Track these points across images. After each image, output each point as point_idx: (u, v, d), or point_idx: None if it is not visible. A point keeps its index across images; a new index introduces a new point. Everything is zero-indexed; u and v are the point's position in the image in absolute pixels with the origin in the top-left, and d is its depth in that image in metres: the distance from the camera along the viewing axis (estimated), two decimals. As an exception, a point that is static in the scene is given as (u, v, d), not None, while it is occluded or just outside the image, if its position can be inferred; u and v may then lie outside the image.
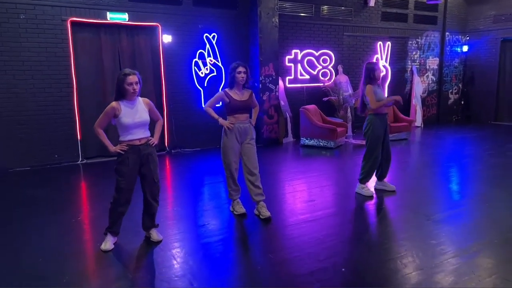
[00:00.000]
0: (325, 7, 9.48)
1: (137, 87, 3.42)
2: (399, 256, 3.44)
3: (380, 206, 4.76)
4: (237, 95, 4.23)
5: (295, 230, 4.05)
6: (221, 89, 4.47)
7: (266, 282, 3.08)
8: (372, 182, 5.34)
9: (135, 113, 3.45)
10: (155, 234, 3.75)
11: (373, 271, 3.19)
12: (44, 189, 5.64)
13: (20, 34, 6.49)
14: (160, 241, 3.72)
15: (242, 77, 4.18)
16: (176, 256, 3.46)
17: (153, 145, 3.63)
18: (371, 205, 4.81)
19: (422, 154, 8.27)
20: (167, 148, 7.98)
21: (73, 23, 6.85)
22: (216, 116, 4.29)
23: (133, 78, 3.40)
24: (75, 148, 7.04)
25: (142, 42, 7.56)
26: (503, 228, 4.03)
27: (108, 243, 3.58)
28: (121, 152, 3.42)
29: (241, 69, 4.16)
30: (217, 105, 4.45)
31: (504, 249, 3.52)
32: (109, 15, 7.06)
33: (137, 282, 3.08)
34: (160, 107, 7.78)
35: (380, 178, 5.22)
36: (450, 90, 12.30)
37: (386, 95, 10.41)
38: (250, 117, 4.41)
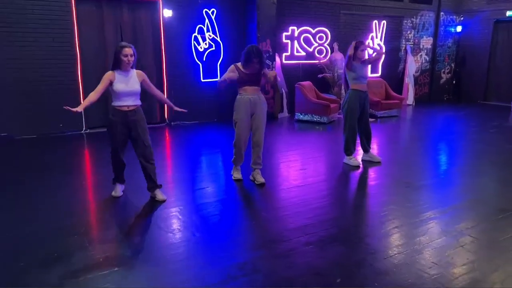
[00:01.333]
0: (322, -15, 9.65)
1: (131, 59, 3.79)
2: (378, 215, 3.86)
3: (364, 175, 5.18)
4: (248, 69, 4.46)
5: (287, 193, 4.47)
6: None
7: (259, 233, 3.49)
8: (360, 154, 5.74)
9: (127, 82, 3.83)
10: (159, 194, 4.13)
11: (354, 228, 3.61)
12: (51, 155, 5.99)
13: (25, 6, 6.68)
14: (164, 200, 4.10)
15: (256, 67, 4.42)
16: (179, 213, 3.86)
17: (177, 111, 4.23)
18: (356, 173, 5.22)
19: (410, 130, 8.67)
20: (167, 120, 8.30)
21: (77, -4, 7.04)
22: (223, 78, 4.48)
23: (128, 51, 3.77)
24: (78, 118, 7.34)
25: (143, 16, 7.77)
26: (476, 193, 4.45)
27: (117, 191, 4.20)
28: (73, 110, 3.64)
29: (255, 60, 4.36)
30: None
31: (474, 211, 3.94)
32: (112, -12, 7.24)
33: (144, 233, 3.48)
34: (160, 80, 8.07)
35: (365, 151, 5.61)
36: (443, 70, 12.60)
37: (377, 72, 10.74)
38: (260, 90, 4.62)
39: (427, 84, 12.42)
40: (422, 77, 12.26)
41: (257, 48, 4.44)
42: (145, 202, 4.11)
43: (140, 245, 3.30)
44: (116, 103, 3.86)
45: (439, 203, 4.14)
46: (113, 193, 4.20)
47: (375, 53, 5.81)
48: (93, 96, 3.82)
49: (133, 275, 2.81)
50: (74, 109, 3.63)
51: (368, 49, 5.54)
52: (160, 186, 4.19)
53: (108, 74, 3.84)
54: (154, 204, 4.07)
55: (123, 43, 3.86)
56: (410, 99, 11.60)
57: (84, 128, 7.42)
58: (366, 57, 5.41)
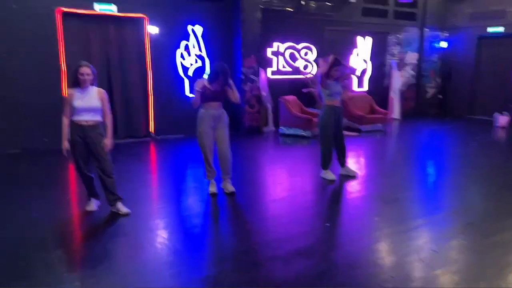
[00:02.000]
0: (307, 2, 9.87)
1: (87, 78, 3.94)
2: (347, 228, 3.95)
3: (339, 189, 5.28)
4: (213, 85, 4.62)
5: (259, 207, 4.57)
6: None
7: (225, 247, 3.57)
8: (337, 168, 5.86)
9: (84, 98, 3.96)
10: (122, 207, 4.17)
11: (319, 241, 3.69)
12: (34, 169, 6.06)
13: (12, 23, 6.82)
14: (128, 213, 4.13)
15: (221, 84, 4.60)
16: (150, 227, 3.93)
17: (107, 149, 4.09)
18: (331, 187, 5.31)
19: (392, 144, 8.81)
20: (152, 135, 8.39)
21: (63, 13, 7.18)
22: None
23: (84, 70, 3.94)
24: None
25: (129, 33, 7.92)
26: (449, 206, 4.55)
27: (91, 205, 4.29)
28: (65, 151, 3.98)
29: (220, 78, 4.56)
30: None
31: (439, 226, 4.03)
32: (98, 6, 7.41)
33: (111, 245, 3.54)
34: (145, 95, 8.19)
35: (341, 165, 5.72)
36: (429, 85, 12.80)
37: (362, 87, 10.92)
38: (222, 105, 4.82)
39: (413, 98, 12.60)
40: (408, 92, 12.45)
41: (224, 67, 4.62)
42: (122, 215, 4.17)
43: (104, 256, 3.35)
44: (74, 118, 3.98)
45: (409, 217, 4.23)
46: (86, 207, 4.29)
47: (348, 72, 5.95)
48: (66, 121, 3.98)
49: (94, 287, 2.87)
50: (64, 147, 3.96)
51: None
52: (120, 199, 4.21)
53: (69, 94, 3.99)
54: (127, 217, 4.13)
55: (82, 62, 4.03)
56: (396, 113, 11.76)
57: (69, 142, 7.50)
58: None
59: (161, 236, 3.76)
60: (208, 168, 4.87)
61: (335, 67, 5.33)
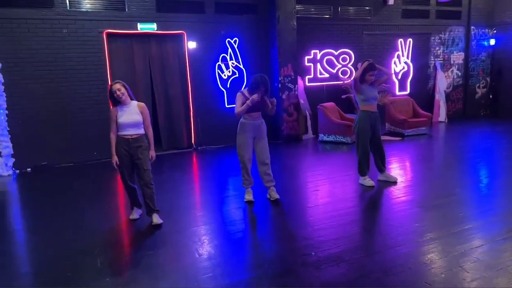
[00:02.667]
0: (343, 8, 9.83)
1: (120, 92, 4.15)
2: (382, 236, 3.87)
3: (378, 196, 5.17)
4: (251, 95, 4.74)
5: (295, 214, 4.57)
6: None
7: (258, 253, 3.63)
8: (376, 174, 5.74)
9: (127, 114, 4.21)
10: (155, 218, 4.35)
11: (353, 248, 3.64)
12: (84, 181, 6.47)
13: (64, 46, 7.38)
14: (160, 224, 4.30)
15: (262, 93, 4.69)
16: (189, 234, 4.08)
17: (152, 160, 4.33)
18: (370, 194, 5.22)
19: (437, 148, 8.47)
20: (194, 146, 8.66)
21: (109, 34, 7.68)
22: (245, 105, 4.68)
23: (115, 86, 4.19)
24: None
25: (169, 49, 8.29)
26: (492, 212, 4.33)
27: (134, 214, 4.55)
28: (115, 164, 4.26)
29: (262, 87, 4.67)
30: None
31: (485, 232, 3.85)
32: (140, 25, 7.83)
33: (153, 251, 3.72)
34: (186, 108, 8.50)
35: (380, 170, 5.60)
36: (477, 84, 12.21)
37: (405, 90, 10.62)
38: (263, 115, 4.92)
39: (461, 100, 12.07)
40: (455, 93, 11.94)
41: (265, 78, 4.73)
42: (165, 223, 4.35)
43: (144, 261, 3.52)
44: (120, 133, 4.25)
45: (448, 224, 4.08)
46: (130, 216, 4.57)
47: (385, 76, 5.85)
48: (114, 137, 4.26)
49: (134, 292, 3.04)
50: (114, 161, 4.24)
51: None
52: (157, 211, 4.40)
53: (112, 111, 4.27)
54: (168, 224, 4.31)
55: (113, 81, 4.30)
56: (442, 116, 11.31)
57: (116, 155, 7.93)
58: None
59: (199, 242, 3.89)
60: (246, 176, 4.97)
61: (370, 71, 5.26)
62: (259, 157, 4.92)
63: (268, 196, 5.03)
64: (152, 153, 4.35)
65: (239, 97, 4.79)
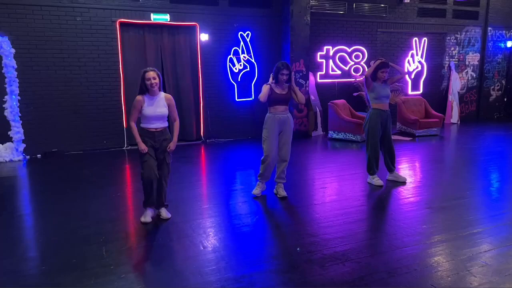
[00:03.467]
0: (358, 4, 9.71)
1: (154, 82, 3.98)
2: (387, 236, 3.83)
3: (385, 195, 5.11)
4: (278, 89, 4.74)
5: (302, 210, 4.54)
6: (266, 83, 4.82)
7: (264, 248, 3.61)
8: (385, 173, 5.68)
9: (155, 106, 4.05)
10: (164, 212, 4.30)
11: (358, 247, 3.61)
12: (94, 169, 6.51)
13: (77, 34, 7.41)
14: (168, 218, 4.26)
15: (285, 79, 4.68)
16: (193, 227, 4.08)
17: (169, 150, 4.17)
18: (378, 193, 5.17)
19: (448, 150, 8.35)
20: (203, 138, 8.66)
21: (121, 24, 7.69)
22: (264, 90, 4.66)
23: (150, 74, 3.99)
24: (121, 135, 7.92)
25: (182, 40, 8.27)
26: (504, 216, 4.26)
27: (147, 217, 4.20)
28: (143, 151, 4.04)
29: (284, 71, 4.64)
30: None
31: (494, 235, 3.79)
32: (153, 16, 7.83)
33: (158, 242, 3.72)
34: (196, 100, 8.49)
35: (389, 170, 5.54)
36: (492, 87, 12.01)
37: (417, 90, 10.49)
38: (288, 109, 4.86)
39: (475, 101, 11.88)
40: (469, 95, 11.77)
41: (285, 63, 4.68)
42: (174, 214, 4.35)
43: (148, 252, 3.53)
44: (145, 125, 4.11)
45: (457, 226, 4.02)
46: (142, 219, 4.18)
47: (398, 75, 5.76)
48: (135, 125, 4.11)
49: (137, 280, 3.04)
50: (143, 148, 4.02)
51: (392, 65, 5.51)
52: (166, 206, 4.35)
53: (138, 100, 4.04)
54: (173, 216, 4.32)
55: (147, 68, 4.12)
56: (454, 117, 11.16)
57: (125, 145, 7.97)
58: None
59: (204, 234, 3.88)
60: (267, 170, 4.89)
61: (382, 69, 5.19)
62: (280, 153, 4.88)
63: (275, 192, 5.02)
64: (173, 146, 4.17)
65: (265, 87, 4.71)
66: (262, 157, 4.88)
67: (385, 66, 5.23)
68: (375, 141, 5.32)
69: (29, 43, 7.11)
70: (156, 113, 4.05)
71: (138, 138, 4.09)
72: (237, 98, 8.72)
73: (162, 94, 4.17)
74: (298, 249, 3.54)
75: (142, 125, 4.13)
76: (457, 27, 11.14)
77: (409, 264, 3.26)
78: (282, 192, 4.94)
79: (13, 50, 6.89)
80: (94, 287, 2.97)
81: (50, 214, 4.53)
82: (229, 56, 8.58)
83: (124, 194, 5.34)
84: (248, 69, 8.75)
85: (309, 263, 3.30)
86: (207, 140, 8.67)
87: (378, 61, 5.27)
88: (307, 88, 8.95)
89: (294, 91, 4.80)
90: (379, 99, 5.24)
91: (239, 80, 8.71)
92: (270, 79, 4.75)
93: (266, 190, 5.09)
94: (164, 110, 4.10)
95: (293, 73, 4.77)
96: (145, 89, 4.06)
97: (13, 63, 6.91)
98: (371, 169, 5.43)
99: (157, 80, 4.02)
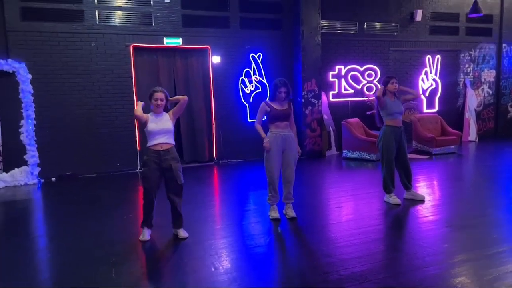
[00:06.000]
0: (369, 24, 9.73)
1: (161, 103, 4.06)
2: (407, 255, 3.66)
3: (403, 214, 4.93)
4: (277, 105, 4.65)
5: (317, 231, 4.40)
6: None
7: (278, 269, 3.48)
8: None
9: (159, 121, 4.09)
10: (181, 233, 4.25)
11: (376, 268, 3.44)
12: (106, 191, 6.50)
13: (92, 59, 7.56)
14: (186, 237, 4.20)
15: (283, 96, 4.60)
16: (209, 247, 3.98)
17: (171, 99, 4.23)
18: (395, 212, 4.99)
19: (466, 168, 8.13)
20: (215, 159, 8.63)
21: (135, 48, 7.83)
22: (263, 135, 4.66)
23: (158, 95, 4.08)
24: (134, 158, 7.94)
25: (194, 63, 8.37)
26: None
27: (145, 235, 4.21)
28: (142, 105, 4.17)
29: (282, 89, 4.57)
30: (263, 119, 4.76)
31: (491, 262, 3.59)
32: (165, 40, 7.96)
33: (168, 262, 3.63)
34: (209, 121, 8.51)
35: (406, 188, 5.37)
36: (510, 103, 11.76)
37: (433, 107, 10.30)
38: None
39: (492, 119, 11.63)
40: (486, 112, 11.54)
41: (283, 80, 4.62)
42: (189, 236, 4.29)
43: (160, 273, 3.44)
44: (150, 143, 4.10)
45: (481, 245, 3.82)
46: (140, 238, 4.20)
47: (410, 95, 5.62)
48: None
49: (148, 304, 2.95)
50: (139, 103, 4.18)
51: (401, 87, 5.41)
52: (182, 225, 4.28)
53: (146, 115, 4.14)
54: (185, 238, 4.22)
55: (156, 88, 4.18)
56: (472, 135, 10.91)
57: (138, 167, 7.97)
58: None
59: (215, 255, 3.77)
60: (273, 193, 4.78)
61: (390, 80, 5.12)
62: (284, 173, 4.75)
63: (284, 213, 4.86)
64: (173, 99, 4.27)
65: (262, 107, 4.71)
66: (267, 179, 4.74)
67: (391, 77, 5.17)
68: (390, 158, 5.18)
69: (45, 69, 7.27)
70: (159, 128, 4.07)
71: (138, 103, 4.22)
72: (249, 119, 8.70)
73: (166, 115, 4.20)
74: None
75: (148, 144, 4.13)
76: (470, 44, 11.04)
77: (431, 285, 3.09)
78: (291, 213, 4.77)
79: (29, 76, 7.05)
80: (102, 310, 2.88)
81: (62, 236, 4.49)
82: (241, 78, 8.62)
83: (135, 216, 5.27)
84: (260, 90, 8.77)
85: (325, 284, 3.16)
86: (220, 161, 8.63)
87: (385, 77, 5.27)
88: (319, 108, 8.90)
89: (291, 112, 4.70)
90: (392, 115, 5.14)
91: (251, 100, 8.72)
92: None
93: (279, 211, 4.93)
94: (168, 125, 4.12)
95: (291, 95, 4.69)
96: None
97: (30, 88, 7.06)
98: (387, 188, 5.28)
99: (163, 102, 4.11)
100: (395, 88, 5.16)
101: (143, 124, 4.14)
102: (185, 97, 4.32)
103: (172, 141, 4.18)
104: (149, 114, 4.15)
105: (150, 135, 4.10)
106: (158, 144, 4.07)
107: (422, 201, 5.29)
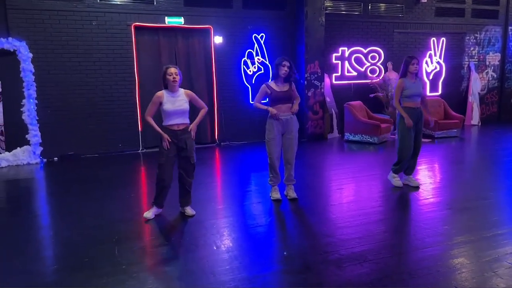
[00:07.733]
0: (374, 5, 9.57)
1: (177, 77, 3.99)
2: (407, 236, 3.69)
3: (405, 196, 4.94)
4: (278, 86, 4.59)
5: (318, 211, 4.43)
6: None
7: (279, 249, 3.51)
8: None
9: (175, 101, 4.03)
10: (189, 210, 4.30)
11: (376, 248, 3.47)
12: (108, 171, 6.52)
13: (93, 38, 7.48)
14: (194, 215, 4.26)
15: (285, 72, 4.51)
16: (209, 227, 4.01)
17: (190, 130, 4.15)
18: (396, 194, 5.00)
19: (468, 151, 8.12)
20: (217, 141, 8.62)
21: (136, 27, 7.74)
22: (264, 107, 4.60)
23: (172, 70, 4.01)
24: (136, 138, 7.94)
25: (196, 43, 8.28)
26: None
27: (150, 213, 4.23)
28: (167, 141, 4.02)
29: (284, 63, 4.51)
30: (263, 101, 4.72)
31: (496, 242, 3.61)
32: (167, 19, 7.86)
33: (170, 242, 3.66)
34: (210, 103, 8.46)
35: (407, 172, 5.30)
36: (514, 87, 11.66)
37: (436, 91, 10.24)
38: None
39: (496, 103, 11.55)
40: (490, 96, 11.44)
41: (286, 58, 4.55)
42: (184, 214, 4.32)
43: (162, 252, 3.47)
44: (166, 123, 4.08)
45: (480, 227, 3.84)
46: (145, 214, 4.22)
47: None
48: (151, 119, 4.09)
49: (149, 279, 2.98)
50: (166, 138, 4.01)
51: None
52: (190, 203, 4.34)
53: (158, 96, 4.05)
54: (188, 217, 4.26)
55: (168, 65, 4.14)
56: (475, 119, 10.85)
57: (140, 148, 7.99)
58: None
59: (217, 234, 3.81)
60: (274, 174, 4.78)
61: (412, 61, 4.97)
62: (285, 156, 4.75)
63: (286, 194, 4.88)
64: (193, 126, 4.16)
65: (262, 89, 4.68)
66: (268, 162, 4.74)
67: (413, 57, 5.03)
68: (409, 142, 5.04)
69: (46, 48, 7.21)
70: (176, 108, 4.02)
71: (158, 129, 4.06)
72: (251, 101, 8.65)
73: (182, 91, 4.16)
74: (285, 253, 3.42)
75: (164, 123, 4.11)
76: (476, 26, 10.88)
77: (431, 265, 3.11)
78: (292, 194, 4.80)
79: (30, 55, 6.99)
80: (105, 286, 2.92)
81: (64, 214, 4.53)
82: (243, 59, 8.54)
83: (138, 196, 5.32)
84: (263, 71, 8.69)
85: (325, 263, 3.19)
86: (222, 143, 8.62)
87: (406, 57, 5.09)
88: (322, 90, 8.84)
89: (294, 92, 4.64)
90: (410, 97, 5.00)
91: (253, 82, 8.65)
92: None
93: (281, 192, 4.94)
94: (184, 105, 4.08)
95: (295, 72, 4.60)
96: (165, 85, 4.08)
97: (31, 67, 7.02)
98: (398, 169, 5.16)
99: (178, 77, 4.04)
100: (416, 69, 5.04)
101: (158, 105, 4.07)
102: (205, 109, 4.28)
103: (187, 121, 4.17)
104: (163, 92, 4.08)
105: (166, 115, 4.07)
106: (174, 124, 4.07)
107: (417, 187, 5.18)
